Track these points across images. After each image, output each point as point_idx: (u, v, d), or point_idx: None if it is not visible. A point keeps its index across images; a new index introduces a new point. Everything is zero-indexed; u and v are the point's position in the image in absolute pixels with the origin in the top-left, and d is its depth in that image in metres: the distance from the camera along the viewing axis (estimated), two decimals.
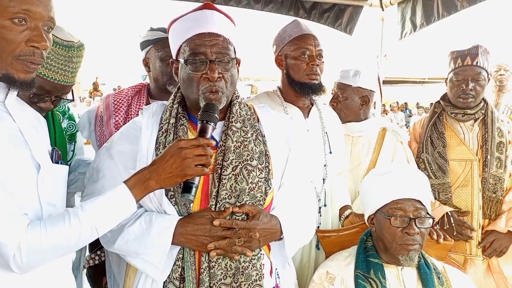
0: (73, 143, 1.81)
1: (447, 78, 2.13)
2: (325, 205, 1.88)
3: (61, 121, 1.76)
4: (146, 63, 1.95)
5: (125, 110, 1.87)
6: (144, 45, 1.93)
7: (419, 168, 2.05)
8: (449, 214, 2.00)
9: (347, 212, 1.92)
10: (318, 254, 1.82)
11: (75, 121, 1.85)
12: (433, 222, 1.43)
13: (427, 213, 1.42)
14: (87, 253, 1.85)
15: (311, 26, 1.87)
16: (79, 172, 1.69)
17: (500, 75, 4.04)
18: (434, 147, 2.09)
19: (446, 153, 2.07)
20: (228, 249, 1.16)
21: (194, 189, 1.07)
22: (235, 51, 1.26)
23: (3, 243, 0.92)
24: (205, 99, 1.20)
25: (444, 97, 2.19)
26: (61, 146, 1.67)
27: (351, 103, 2.16)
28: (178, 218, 1.18)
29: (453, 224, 1.99)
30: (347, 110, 2.17)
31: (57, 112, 1.74)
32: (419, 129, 2.22)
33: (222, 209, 1.18)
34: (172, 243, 1.17)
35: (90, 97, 15.03)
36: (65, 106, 1.81)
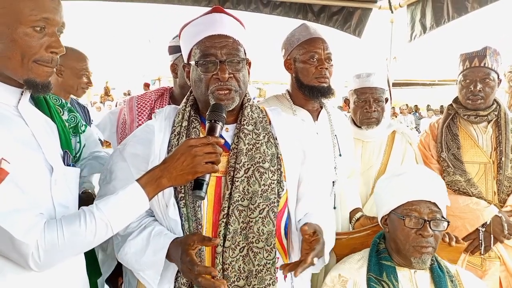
0: (77, 135, 1.83)
1: (457, 81, 2.13)
2: (334, 208, 1.87)
3: (61, 114, 1.76)
4: (173, 69, 1.95)
5: (148, 113, 1.89)
6: (173, 50, 1.93)
7: (442, 167, 2.07)
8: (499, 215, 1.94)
9: (358, 215, 1.91)
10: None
11: (76, 112, 1.86)
12: (447, 226, 1.41)
13: (442, 217, 1.41)
14: None
15: (319, 29, 1.88)
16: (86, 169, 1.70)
17: None
18: (449, 149, 2.09)
19: (461, 154, 2.06)
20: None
21: (205, 186, 1.08)
22: (245, 53, 1.28)
23: (22, 242, 0.94)
24: (215, 97, 1.21)
25: (457, 100, 2.18)
26: (65, 140, 1.67)
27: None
28: (172, 239, 1.17)
29: (504, 224, 1.93)
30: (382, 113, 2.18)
31: (56, 106, 1.75)
32: (435, 129, 2.21)
33: (237, 213, 1.18)
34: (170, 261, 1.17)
35: (101, 102, 15.19)
36: (61, 100, 1.83)
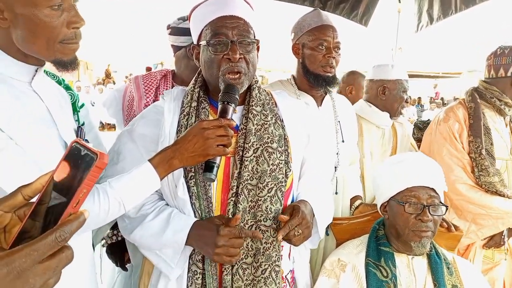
0: (76, 113, 1.83)
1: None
2: (336, 193, 1.90)
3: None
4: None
5: (154, 92, 1.92)
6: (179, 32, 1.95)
7: (478, 165, 1.93)
8: None
9: (357, 203, 1.94)
10: (327, 240, 1.85)
11: (73, 90, 1.87)
12: (446, 210, 1.44)
13: (441, 202, 1.44)
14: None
15: (331, 17, 1.87)
16: None
17: None
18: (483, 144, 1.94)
19: (493, 151, 1.95)
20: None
21: (215, 169, 1.10)
22: (254, 36, 1.28)
23: None
24: (224, 80, 1.21)
25: (481, 90, 2.03)
26: None
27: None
28: (194, 220, 1.20)
29: None
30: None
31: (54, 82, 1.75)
32: (466, 119, 2.00)
33: (246, 192, 1.20)
34: (186, 244, 1.19)
35: (103, 84, 15.14)
36: (58, 77, 1.83)
